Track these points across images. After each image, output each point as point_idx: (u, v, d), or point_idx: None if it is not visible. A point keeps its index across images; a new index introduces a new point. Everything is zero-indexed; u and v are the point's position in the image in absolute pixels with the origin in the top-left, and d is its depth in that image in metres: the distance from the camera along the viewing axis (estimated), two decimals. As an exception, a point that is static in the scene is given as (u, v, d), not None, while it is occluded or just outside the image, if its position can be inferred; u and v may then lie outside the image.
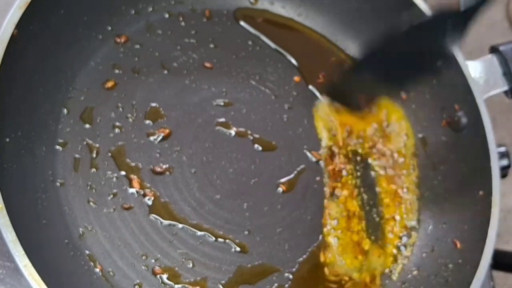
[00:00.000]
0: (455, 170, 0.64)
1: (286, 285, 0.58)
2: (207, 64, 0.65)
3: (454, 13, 0.50)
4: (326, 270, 0.59)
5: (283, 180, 0.62)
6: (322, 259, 0.60)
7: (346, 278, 0.60)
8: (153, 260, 0.55)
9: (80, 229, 0.54)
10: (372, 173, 0.65)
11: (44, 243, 0.51)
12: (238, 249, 0.58)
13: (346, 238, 0.61)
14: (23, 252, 0.44)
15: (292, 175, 0.63)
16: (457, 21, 0.51)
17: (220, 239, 0.58)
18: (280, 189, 0.62)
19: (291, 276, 0.58)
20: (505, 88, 0.63)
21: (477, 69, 0.62)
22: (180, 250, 0.56)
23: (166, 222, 0.57)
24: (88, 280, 0.52)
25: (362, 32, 0.70)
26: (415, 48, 0.53)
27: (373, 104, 0.65)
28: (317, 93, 0.67)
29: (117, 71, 0.61)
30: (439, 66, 0.56)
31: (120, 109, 0.60)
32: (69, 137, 0.57)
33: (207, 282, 0.56)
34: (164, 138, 0.60)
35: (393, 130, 0.67)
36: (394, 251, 0.63)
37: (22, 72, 0.53)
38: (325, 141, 0.65)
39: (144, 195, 0.57)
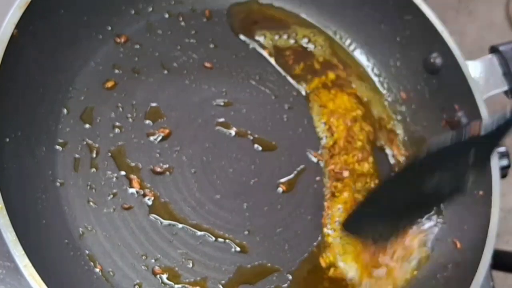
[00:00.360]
0: (455, 170, 0.64)
1: (286, 285, 0.58)
2: (207, 64, 0.65)
3: (476, 140, 0.45)
4: (331, 271, 0.59)
5: (283, 180, 0.62)
6: (322, 259, 0.60)
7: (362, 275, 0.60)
8: (153, 260, 0.55)
9: (80, 229, 0.54)
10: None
11: (44, 243, 0.51)
12: (238, 249, 0.58)
13: (349, 238, 0.61)
14: (23, 252, 0.44)
15: (292, 175, 0.63)
16: (480, 148, 0.45)
17: (220, 239, 0.58)
18: (280, 189, 0.62)
19: (291, 276, 0.58)
20: (505, 88, 0.63)
21: (477, 69, 0.62)
22: (180, 250, 0.56)
23: (166, 222, 0.57)
24: (88, 280, 0.52)
25: (363, 31, 0.70)
26: (436, 177, 0.48)
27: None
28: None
29: (117, 71, 0.61)
30: (464, 191, 0.50)
31: (120, 109, 0.60)
32: (69, 137, 0.57)
33: (207, 282, 0.56)
34: (164, 138, 0.60)
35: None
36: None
37: (22, 72, 0.53)
38: (325, 141, 0.65)
39: (144, 195, 0.57)
